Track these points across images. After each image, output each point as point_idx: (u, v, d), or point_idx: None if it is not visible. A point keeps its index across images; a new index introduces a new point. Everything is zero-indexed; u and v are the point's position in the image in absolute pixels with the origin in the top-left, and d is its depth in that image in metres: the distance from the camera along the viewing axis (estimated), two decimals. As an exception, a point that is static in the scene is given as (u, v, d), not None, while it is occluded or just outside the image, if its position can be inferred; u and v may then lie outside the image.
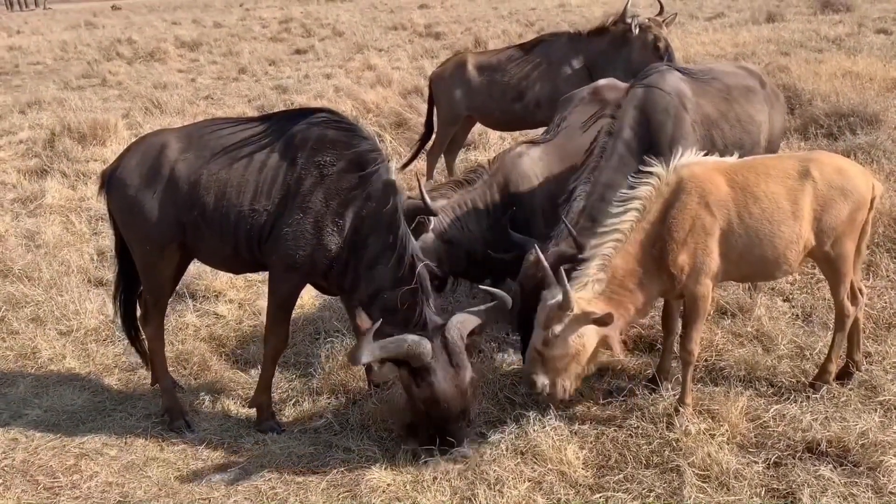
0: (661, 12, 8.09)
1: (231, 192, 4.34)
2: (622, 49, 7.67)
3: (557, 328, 4.07)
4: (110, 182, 4.61)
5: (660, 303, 4.90)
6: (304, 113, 4.56)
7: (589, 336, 4.16)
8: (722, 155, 4.79)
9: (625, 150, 4.96)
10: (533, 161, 5.58)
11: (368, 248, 4.27)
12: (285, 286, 4.46)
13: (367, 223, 4.27)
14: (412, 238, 4.44)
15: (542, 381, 4.18)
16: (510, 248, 5.21)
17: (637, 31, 7.54)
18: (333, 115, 4.52)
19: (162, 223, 4.45)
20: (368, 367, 4.95)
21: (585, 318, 4.06)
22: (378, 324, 4.02)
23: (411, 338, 4.05)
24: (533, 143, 5.80)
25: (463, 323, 4.27)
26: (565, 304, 4.01)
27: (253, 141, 4.42)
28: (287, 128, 4.43)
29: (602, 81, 6.24)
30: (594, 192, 4.87)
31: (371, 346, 3.95)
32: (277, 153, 4.36)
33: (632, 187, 4.31)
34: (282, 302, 4.52)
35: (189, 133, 4.58)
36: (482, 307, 4.45)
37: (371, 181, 4.28)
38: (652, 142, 5.03)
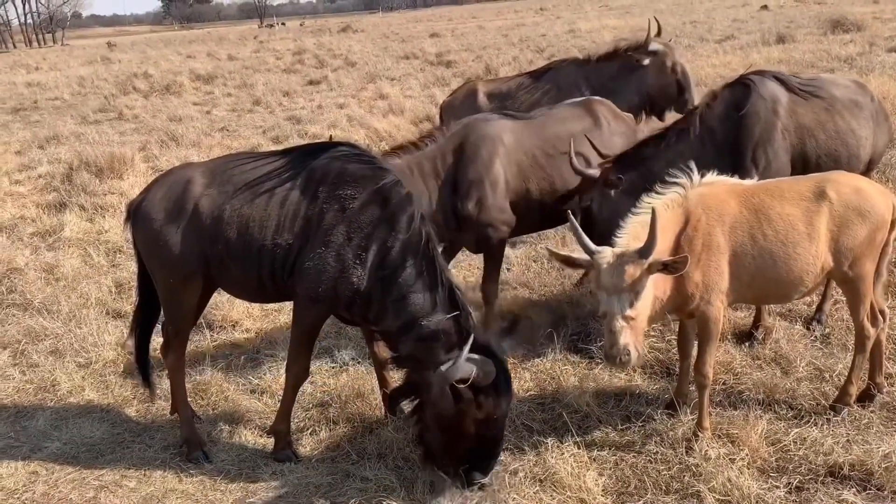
0: (659, 33, 8.10)
1: (254, 226, 4.39)
2: (633, 74, 7.74)
3: (640, 282, 3.89)
4: (136, 215, 4.67)
5: (675, 326, 4.88)
6: (325, 147, 4.60)
7: (650, 289, 4.02)
8: (816, 165, 5.10)
9: (707, 138, 5.31)
10: (503, 128, 5.70)
11: (397, 280, 4.26)
12: (308, 318, 4.48)
13: (393, 255, 4.26)
14: (445, 263, 4.44)
15: (635, 350, 3.97)
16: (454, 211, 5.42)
17: (651, 58, 7.63)
18: (354, 149, 4.56)
19: (186, 256, 4.50)
20: (385, 396, 4.97)
21: (656, 266, 3.90)
22: (469, 345, 4.01)
23: (479, 357, 4.03)
24: (509, 115, 5.98)
25: (499, 341, 4.29)
26: (647, 250, 3.82)
27: (274, 175, 4.47)
28: (308, 162, 4.47)
29: (595, 98, 6.46)
30: (665, 152, 5.32)
31: (462, 366, 3.92)
32: (299, 187, 4.40)
33: (658, 193, 4.31)
34: (304, 333, 4.54)
35: (213, 168, 4.64)
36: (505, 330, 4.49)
37: (395, 214, 4.30)
38: (736, 140, 5.26)
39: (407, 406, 4.49)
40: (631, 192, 5.07)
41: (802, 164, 5.30)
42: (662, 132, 5.50)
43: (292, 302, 4.56)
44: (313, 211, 4.33)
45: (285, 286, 4.47)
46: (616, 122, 6.09)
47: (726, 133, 5.31)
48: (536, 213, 5.81)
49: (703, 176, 4.36)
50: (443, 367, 4.00)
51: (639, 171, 5.29)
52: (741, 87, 5.42)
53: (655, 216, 3.83)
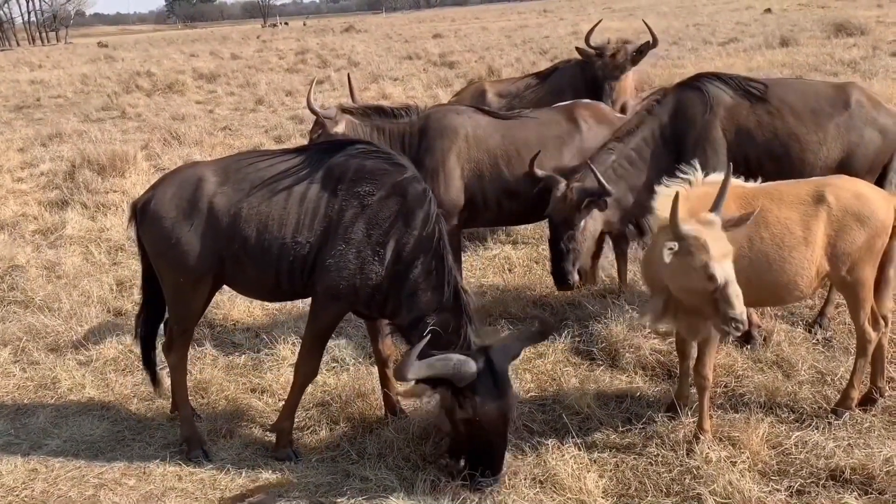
0: (654, 41, 8.28)
1: (272, 224, 4.37)
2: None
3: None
4: (143, 213, 4.62)
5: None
6: (342, 144, 4.61)
7: None
8: (757, 165, 5.23)
9: (656, 131, 5.64)
10: (469, 123, 5.88)
11: (410, 275, 4.28)
12: (327, 315, 4.48)
13: (408, 250, 4.28)
14: (454, 264, 4.47)
15: None
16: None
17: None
18: (371, 146, 4.58)
19: (199, 255, 4.47)
20: (386, 395, 4.97)
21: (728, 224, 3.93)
22: (424, 342, 4.02)
23: (457, 357, 4.04)
24: (484, 112, 6.14)
25: (507, 348, 4.27)
26: (718, 205, 3.86)
27: (292, 173, 4.45)
28: (325, 160, 4.47)
29: (584, 101, 6.62)
30: (623, 153, 5.61)
31: (417, 363, 3.93)
32: (318, 185, 4.40)
33: (667, 185, 4.29)
34: (321, 331, 4.54)
35: (225, 166, 4.62)
36: (524, 334, 4.47)
37: (411, 209, 4.30)
38: (679, 137, 5.56)
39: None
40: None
41: (745, 164, 5.46)
42: (620, 132, 5.75)
43: (310, 300, 4.55)
44: (333, 208, 4.33)
45: (303, 284, 4.47)
46: (599, 127, 6.14)
47: (673, 129, 5.62)
48: (493, 211, 6.01)
49: (705, 176, 4.35)
50: (397, 365, 4.04)
51: (612, 175, 5.55)
52: (690, 89, 5.69)
53: (730, 170, 3.86)
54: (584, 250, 5.53)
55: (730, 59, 17.52)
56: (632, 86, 8.35)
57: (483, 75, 18.28)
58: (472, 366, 4.03)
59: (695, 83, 5.72)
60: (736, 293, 3.78)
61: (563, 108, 6.37)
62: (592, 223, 5.51)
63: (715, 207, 3.87)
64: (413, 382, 4.13)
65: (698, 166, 4.41)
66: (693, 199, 4.19)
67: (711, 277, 3.76)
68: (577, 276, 5.51)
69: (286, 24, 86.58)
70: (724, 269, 3.78)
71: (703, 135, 5.54)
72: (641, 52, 8.11)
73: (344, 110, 5.85)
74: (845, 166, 5.44)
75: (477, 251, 7.78)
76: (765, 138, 5.52)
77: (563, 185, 5.46)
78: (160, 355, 5.11)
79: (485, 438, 4.12)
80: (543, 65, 14.60)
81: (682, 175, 4.32)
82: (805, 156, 5.48)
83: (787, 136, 5.50)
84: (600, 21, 9.68)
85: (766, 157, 5.50)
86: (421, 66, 24.18)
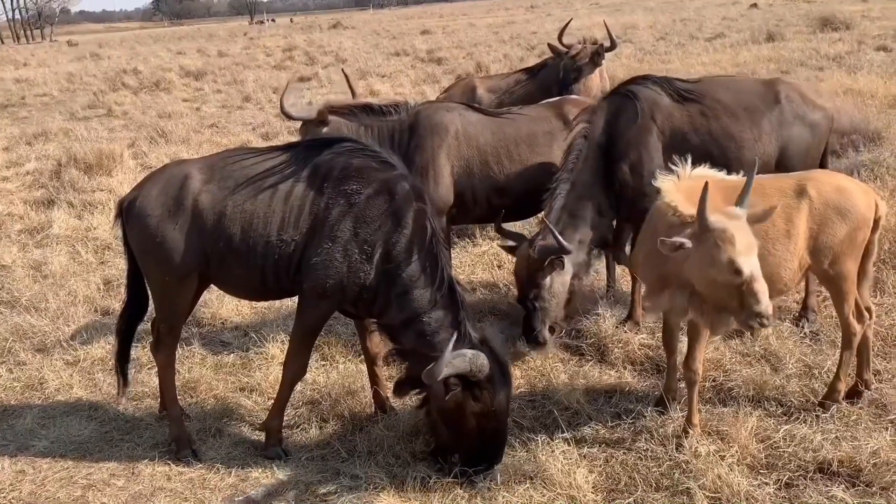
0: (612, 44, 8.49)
1: (258, 222, 4.35)
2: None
3: None
4: (129, 211, 4.59)
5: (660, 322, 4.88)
6: (329, 142, 4.60)
7: None
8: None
9: (598, 153, 5.48)
10: (458, 120, 5.86)
11: (401, 274, 4.27)
12: (315, 314, 4.46)
13: (398, 249, 4.26)
14: (447, 260, 4.46)
15: None
16: None
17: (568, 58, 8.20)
18: (358, 144, 4.56)
19: (185, 253, 4.44)
20: (375, 393, 4.96)
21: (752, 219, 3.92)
22: (453, 341, 4.01)
23: (470, 352, 4.04)
24: (474, 108, 6.16)
25: (500, 337, 4.31)
26: (744, 200, 3.86)
27: (277, 171, 4.43)
28: (311, 157, 4.44)
29: (573, 97, 6.65)
30: (573, 191, 5.44)
31: (444, 362, 3.90)
32: (304, 183, 4.37)
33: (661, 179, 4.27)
34: (309, 329, 4.52)
35: (210, 164, 4.59)
36: (505, 327, 4.52)
37: (400, 208, 4.29)
38: (613, 144, 5.46)
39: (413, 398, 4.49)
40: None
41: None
42: (564, 171, 5.55)
43: (297, 298, 4.53)
44: (319, 206, 4.31)
45: (291, 283, 4.45)
46: None
47: (608, 141, 5.50)
48: (483, 207, 5.99)
49: (692, 169, 4.36)
50: (428, 367, 3.99)
51: (569, 220, 5.44)
52: (620, 98, 5.60)
53: (756, 165, 3.84)
54: (553, 306, 5.41)
55: (716, 55, 17.58)
56: (598, 86, 8.39)
57: (471, 71, 18.31)
58: (484, 359, 4.05)
59: (624, 90, 5.64)
60: (763, 288, 3.71)
61: (552, 104, 6.38)
62: (559, 278, 5.37)
63: (740, 201, 3.81)
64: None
65: (688, 160, 4.42)
66: (682, 192, 4.20)
67: (738, 271, 3.69)
68: (547, 334, 5.40)
69: (273, 20, 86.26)
70: (750, 263, 3.72)
71: (636, 139, 5.43)
72: (599, 53, 8.17)
73: (331, 110, 5.81)
74: (781, 162, 5.47)
75: (466, 247, 7.78)
76: (700, 139, 5.44)
77: (525, 244, 5.38)
78: (147, 355, 5.09)
79: (493, 428, 4.15)
80: (531, 60, 14.63)
81: (671, 168, 4.33)
82: (742, 153, 5.44)
83: (723, 135, 5.45)
84: (571, 20, 9.83)
85: (703, 158, 5.23)
86: (409, 62, 24.15)
